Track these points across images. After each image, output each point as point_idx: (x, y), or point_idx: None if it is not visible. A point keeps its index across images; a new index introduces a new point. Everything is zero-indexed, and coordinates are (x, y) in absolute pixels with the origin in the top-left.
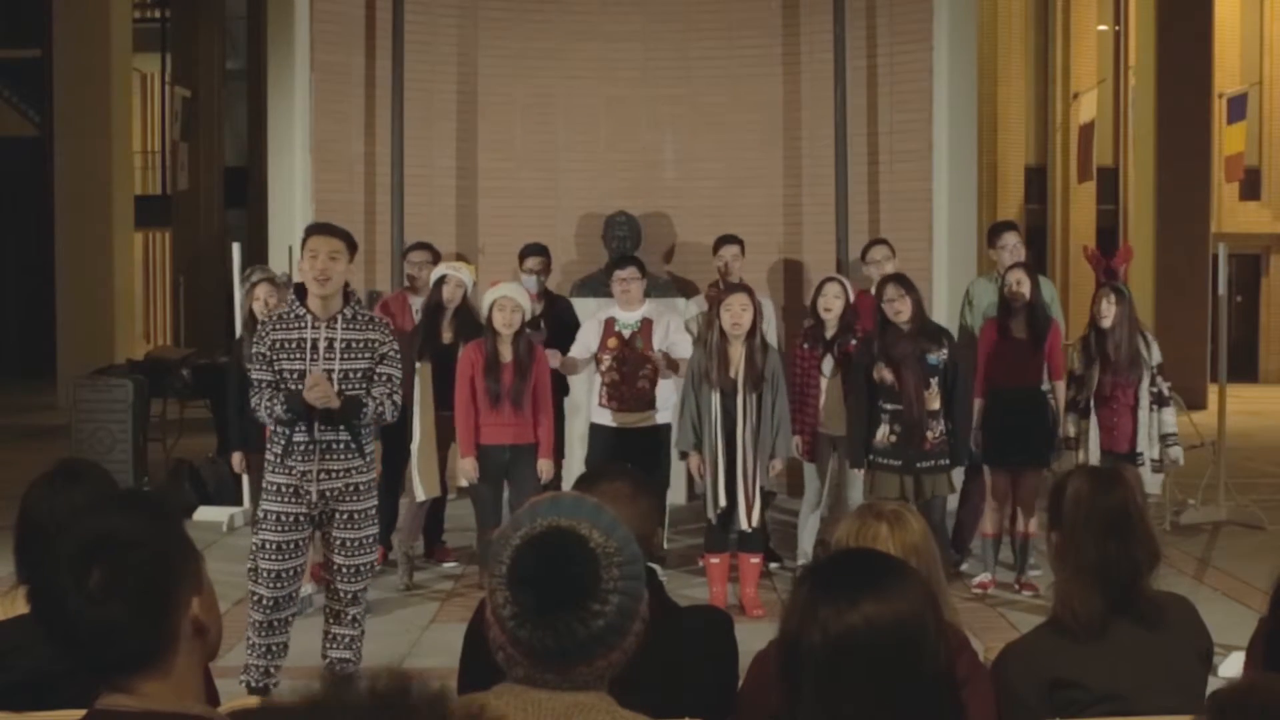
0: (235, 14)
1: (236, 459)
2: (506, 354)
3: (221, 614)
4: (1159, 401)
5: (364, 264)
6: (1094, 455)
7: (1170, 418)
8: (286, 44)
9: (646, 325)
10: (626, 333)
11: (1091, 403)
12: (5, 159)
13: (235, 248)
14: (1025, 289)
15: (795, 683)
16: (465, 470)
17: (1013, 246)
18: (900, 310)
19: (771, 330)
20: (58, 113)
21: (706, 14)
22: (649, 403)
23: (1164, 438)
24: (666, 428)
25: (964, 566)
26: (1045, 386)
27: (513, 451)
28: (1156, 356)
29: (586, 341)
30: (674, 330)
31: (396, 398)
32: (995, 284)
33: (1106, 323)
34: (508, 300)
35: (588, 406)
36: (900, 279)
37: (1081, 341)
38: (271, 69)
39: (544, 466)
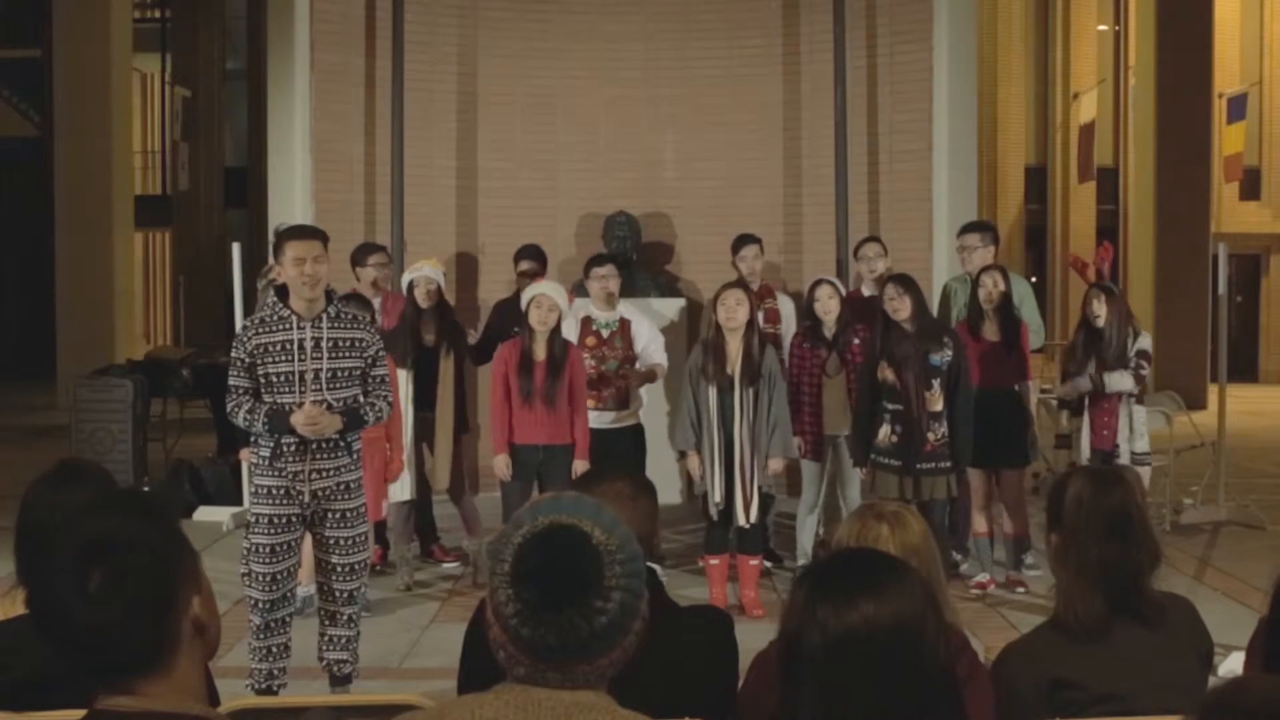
0: (235, 14)
1: (244, 453)
2: (540, 352)
3: (221, 614)
4: (1136, 398)
5: None
6: (1084, 454)
7: (1141, 415)
8: (286, 44)
9: (625, 325)
10: (605, 332)
11: (1086, 401)
12: (5, 159)
13: (235, 248)
14: (1000, 292)
15: (795, 683)
16: (498, 468)
17: (973, 247)
18: (899, 309)
19: (790, 333)
20: (58, 113)
21: (706, 14)
22: (625, 402)
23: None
24: (643, 428)
25: (964, 567)
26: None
27: (546, 451)
28: (1143, 344)
29: None
30: (652, 335)
31: (390, 397)
32: (966, 285)
33: (1100, 323)
34: (545, 298)
35: None
36: (901, 279)
37: (1073, 341)
38: (271, 69)
39: (579, 467)
